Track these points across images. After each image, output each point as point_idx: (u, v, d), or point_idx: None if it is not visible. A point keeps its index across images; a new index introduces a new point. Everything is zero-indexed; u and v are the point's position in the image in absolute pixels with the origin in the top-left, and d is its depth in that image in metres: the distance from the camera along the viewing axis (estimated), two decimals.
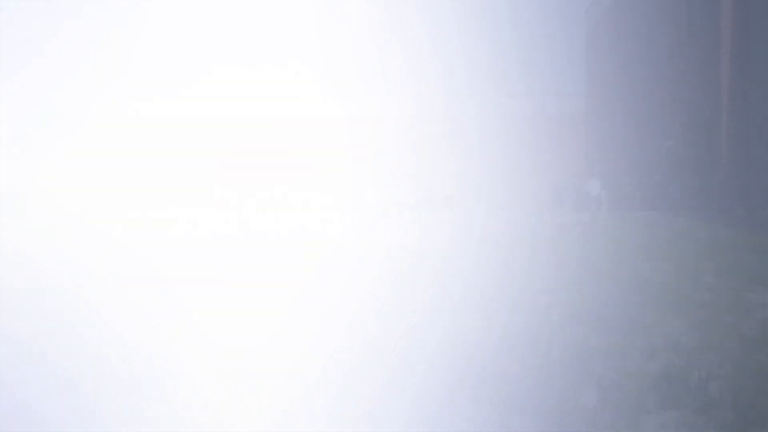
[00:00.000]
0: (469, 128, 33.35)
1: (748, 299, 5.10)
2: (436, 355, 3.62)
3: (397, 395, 2.86)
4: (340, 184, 23.63)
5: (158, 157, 30.33)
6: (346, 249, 9.02)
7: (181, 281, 6.46)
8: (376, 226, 12.45)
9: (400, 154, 33.24)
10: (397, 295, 5.57)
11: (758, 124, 13.09)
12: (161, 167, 30.01)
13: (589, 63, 25.43)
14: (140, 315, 4.80)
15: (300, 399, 2.80)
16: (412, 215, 16.01)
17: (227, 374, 3.28)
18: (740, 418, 2.53)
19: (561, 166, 32.19)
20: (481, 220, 13.26)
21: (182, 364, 3.47)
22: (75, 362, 3.48)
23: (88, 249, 9.15)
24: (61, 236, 11.22)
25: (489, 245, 9.16)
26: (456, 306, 5.06)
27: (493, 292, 5.63)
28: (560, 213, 14.42)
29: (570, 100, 32.84)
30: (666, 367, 3.37)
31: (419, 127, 33.38)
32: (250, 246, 9.33)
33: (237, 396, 2.86)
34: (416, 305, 5.11)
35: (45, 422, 2.44)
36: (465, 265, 7.24)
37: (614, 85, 21.71)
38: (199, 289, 6.02)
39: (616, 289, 5.70)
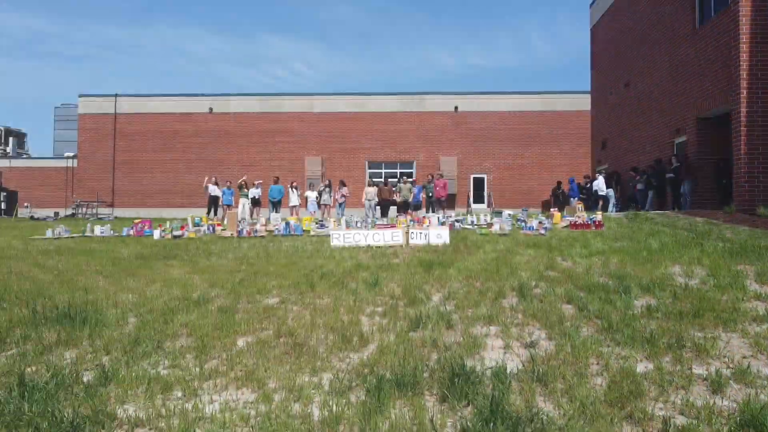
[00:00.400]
0: (476, 126, 32.64)
1: None
2: None
3: None
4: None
5: None
6: None
7: None
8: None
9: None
10: None
11: None
12: None
13: (594, 56, 24.70)
14: None
15: None
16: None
17: None
18: None
19: (568, 164, 31.50)
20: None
21: None
22: None
23: None
24: None
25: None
26: None
27: None
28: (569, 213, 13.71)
29: (576, 97, 32.13)
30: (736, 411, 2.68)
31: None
32: None
33: None
34: None
35: None
36: None
37: (621, 79, 21.00)
38: None
39: (651, 299, 5.02)
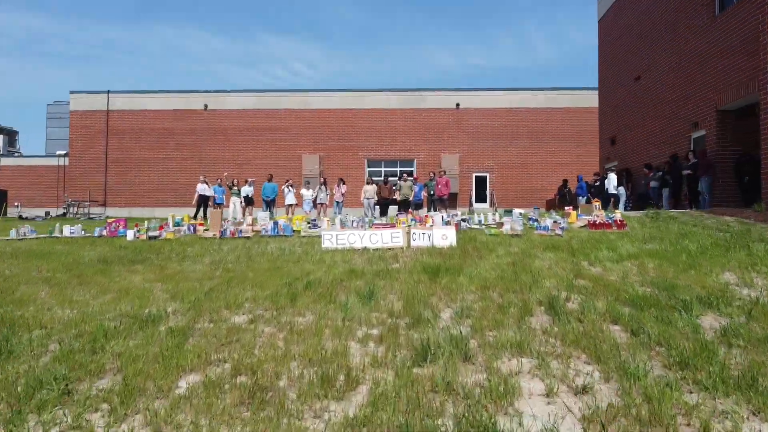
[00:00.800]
0: (477, 123, 31.57)
1: None
2: None
3: None
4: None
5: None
6: None
7: None
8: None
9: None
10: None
11: None
12: None
13: (602, 50, 23.63)
14: None
15: None
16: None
17: None
18: None
19: (573, 162, 30.45)
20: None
21: None
22: None
23: None
24: None
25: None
26: None
27: None
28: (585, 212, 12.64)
29: (580, 94, 31.08)
30: None
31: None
32: None
33: None
34: None
35: None
36: None
37: (631, 72, 19.94)
38: None
39: (719, 318, 3.97)
